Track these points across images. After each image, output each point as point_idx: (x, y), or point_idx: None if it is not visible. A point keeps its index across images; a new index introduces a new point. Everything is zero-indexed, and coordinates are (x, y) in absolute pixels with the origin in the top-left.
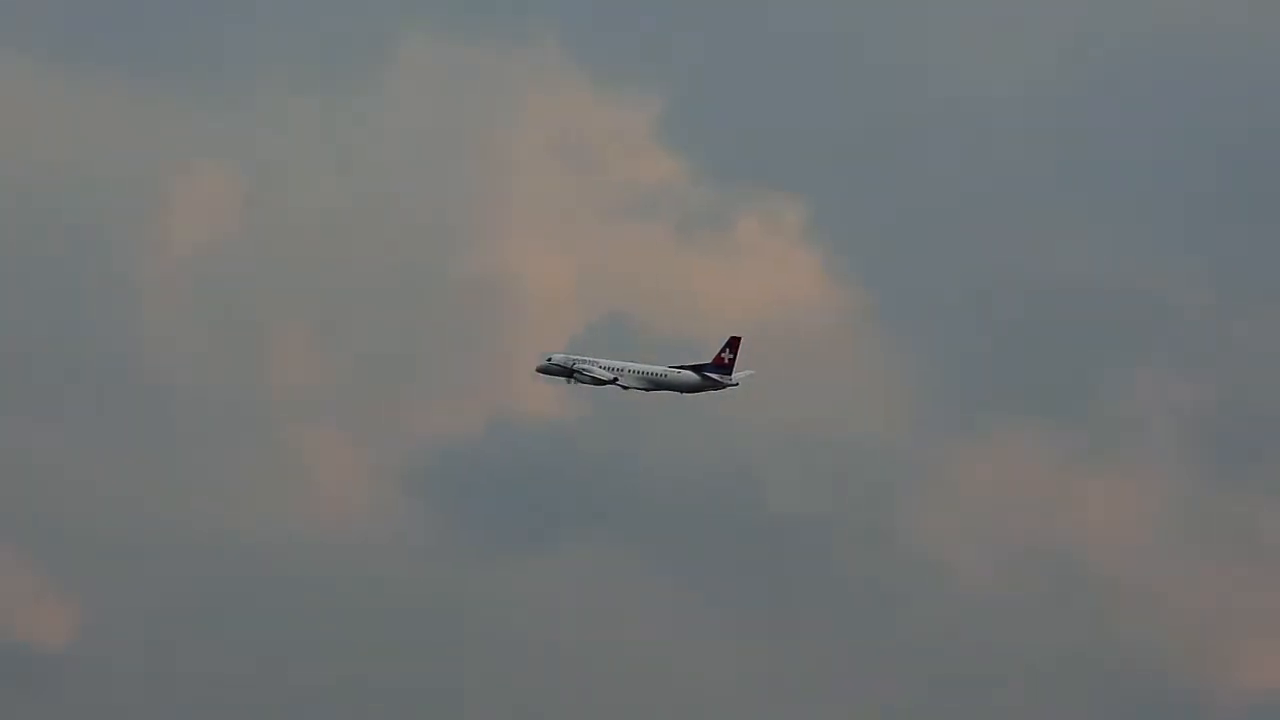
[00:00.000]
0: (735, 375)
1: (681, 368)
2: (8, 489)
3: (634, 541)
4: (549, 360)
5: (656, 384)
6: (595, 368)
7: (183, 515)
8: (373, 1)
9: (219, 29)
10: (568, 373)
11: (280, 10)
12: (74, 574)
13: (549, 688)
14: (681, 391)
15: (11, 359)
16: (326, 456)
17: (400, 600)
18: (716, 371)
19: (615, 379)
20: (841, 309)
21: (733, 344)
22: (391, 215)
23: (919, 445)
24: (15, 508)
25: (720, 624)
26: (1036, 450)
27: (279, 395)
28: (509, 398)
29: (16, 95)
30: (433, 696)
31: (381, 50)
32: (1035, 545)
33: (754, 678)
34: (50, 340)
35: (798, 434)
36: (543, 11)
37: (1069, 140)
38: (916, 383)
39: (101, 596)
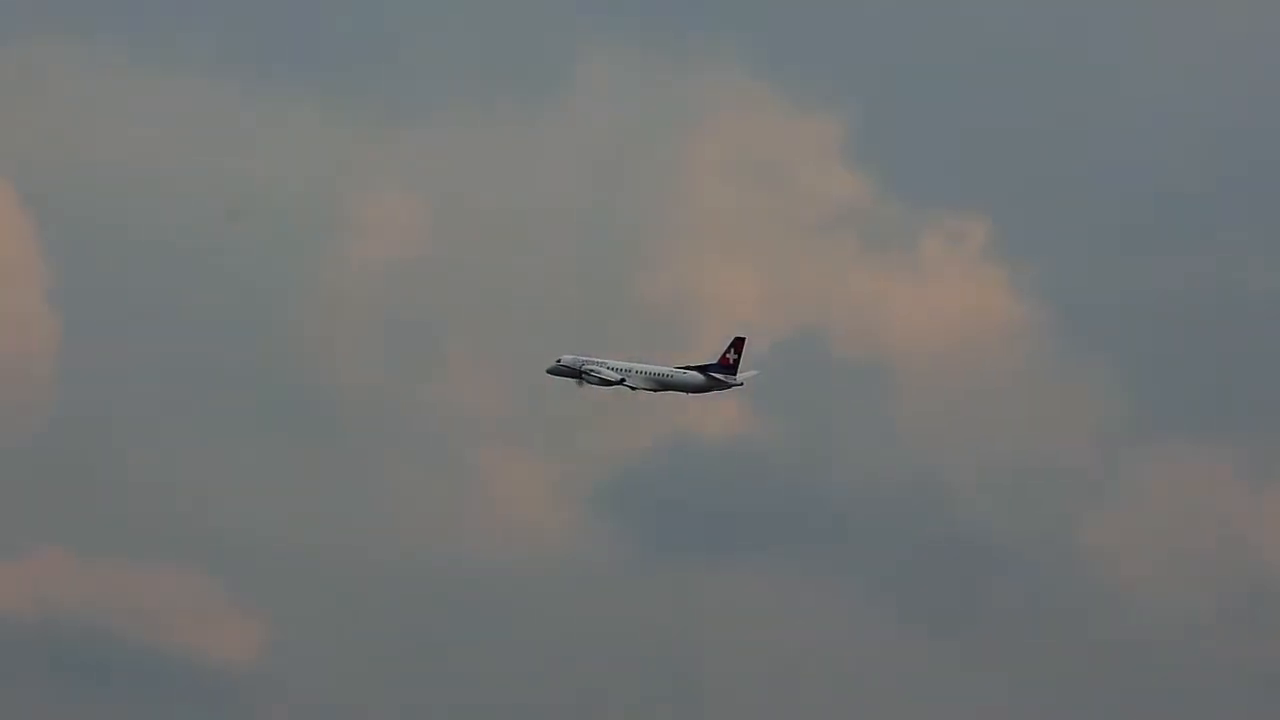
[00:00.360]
0: (740, 375)
1: (687, 368)
2: (196, 508)
3: (818, 557)
4: (559, 361)
5: (664, 384)
6: (604, 368)
7: (367, 535)
8: (555, 20)
9: (402, 51)
10: (577, 373)
11: (462, 31)
12: (260, 594)
13: (738, 703)
14: (688, 391)
15: (201, 379)
16: (511, 476)
17: (585, 619)
18: (721, 372)
19: (623, 379)
20: (1026, 324)
21: (737, 345)
22: (576, 234)
23: (1105, 459)
24: (206, 527)
25: (905, 641)
26: (1225, 464)
27: (463, 415)
28: (694, 415)
29: (209, 119)
30: (621, 714)
31: (563, 68)
32: (1224, 560)
33: (940, 692)
34: (238, 361)
35: (982, 448)
36: (728, 28)
37: (1259, 148)
38: (1103, 396)
39: (288, 617)
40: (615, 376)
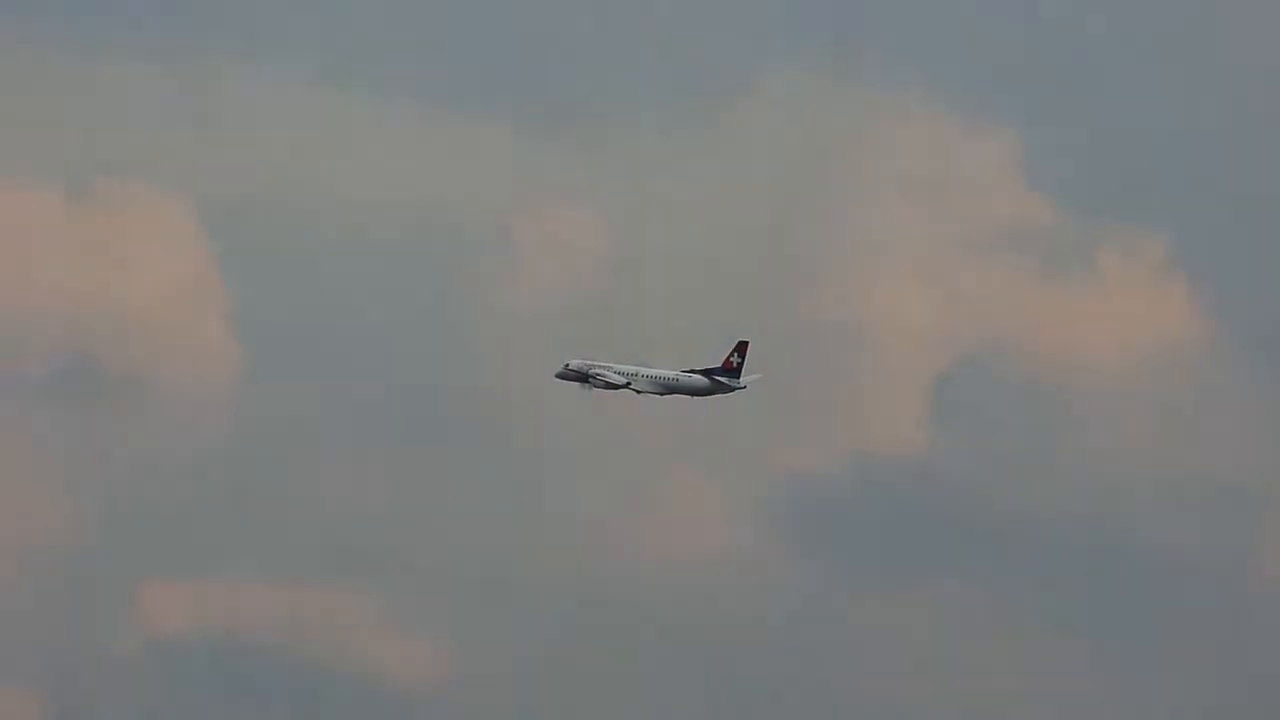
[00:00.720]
0: (743, 379)
1: (692, 372)
2: (375, 527)
3: (999, 576)
4: (566, 366)
5: (669, 388)
6: (609, 373)
7: (546, 555)
8: (730, 36)
9: (585, 68)
10: (584, 378)
11: (637, 47)
12: (439, 614)
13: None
14: (692, 395)
15: (380, 399)
16: (691, 495)
17: (768, 638)
18: (725, 375)
19: (629, 383)
20: (1206, 339)
21: (740, 348)
22: (751, 253)
23: None
24: (385, 546)
25: (1091, 661)
26: None
27: (643, 433)
28: (873, 435)
29: (396, 138)
30: None
31: (740, 86)
32: None
33: (1123, 713)
34: (411, 379)
35: (1162, 466)
36: (907, 45)
37: None
38: None
39: (468, 636)
40: (621, 381)
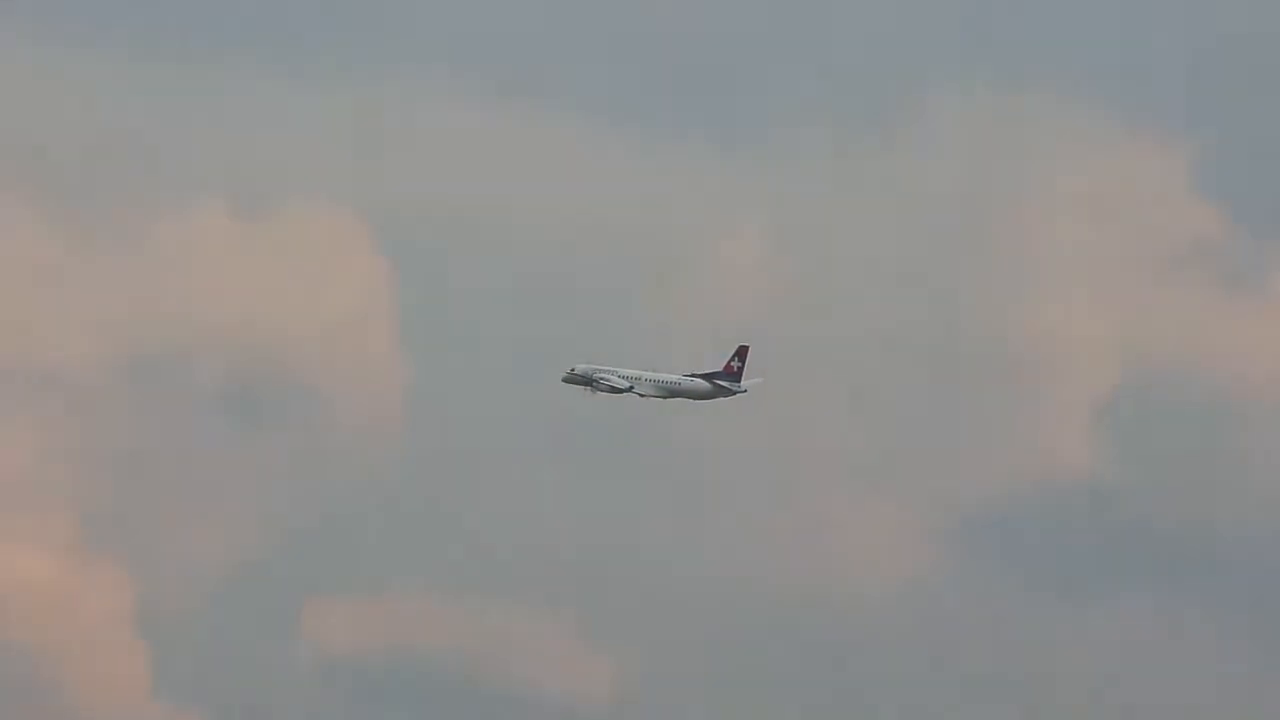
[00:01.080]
0: (744, 383)
1: (694, 376)
2: (549, 544)
3: (1176, 595)
4: (572, 370)
5: (672, 392)
6: (614, 377)
7: (723, 573)
8: (902, 54)
9: (758, 90)
10: (588, 382)
11: (810, 66)
12: (616, 632)
13: None
14: (695, 399)
15: (546, 410)
16: (867, 517)
17: (946, 657)
18: (727, 379)
19: (631, 387)
20: None
21: (741, 353)
22: (922, 271)
23: None
24: (560, 563)
25: (1268, 678)
26: None
27: (820, 453)
28: (1051, 454)
29: (573, 157)
30: None
31: (912, 103)
32: None
33: None
34: (567, 406)
35: None
36: (1074, 60)
37: None
38: None
39: (643, 655)
40: (624, 385)
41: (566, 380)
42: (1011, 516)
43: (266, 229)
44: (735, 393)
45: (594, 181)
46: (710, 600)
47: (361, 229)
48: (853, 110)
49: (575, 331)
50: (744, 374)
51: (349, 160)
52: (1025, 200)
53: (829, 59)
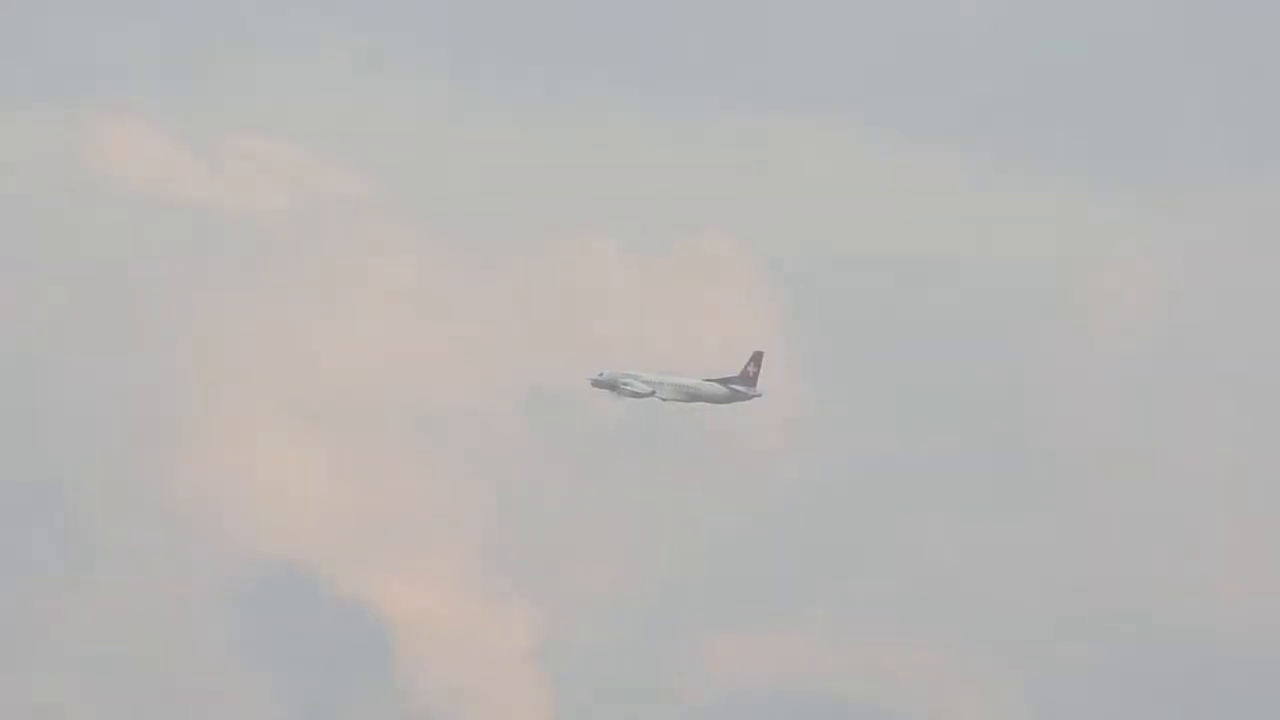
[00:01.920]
0: (759, 388)
1: (712, 381)
2: (947, 575)
3: None
4: (600, 375)
5: (692, 396)
6: (637, 382)
7: (1121, 604)
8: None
9: (1170, 130)
10: (613, 386)
11: (1229, 111)
12: (1013, 663)
13: None
14: (713, 403)
15: (947, 445)
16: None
17: None
18: (743, 384)
19: (654, 391)
20: None
21: (756, 359)
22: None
23: None
24: (966, 594)
25: None
26: None
27: (1215, 479)
28: None
29: (953, 194)
30: None
31: None
32: None
33: None
34: (989, 429)
35: None
36: None
37: None
38: None
39: (1042, 688)
40: (647, 389)
41: (594, 384)
42: None
43: (660, 263)
44: (750, 397)
45: (976, 220)
46: (1109, 634)
47: (753, 262)
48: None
49: (973, 367)
50: (758, 379)
51: (741, 195)
52: None
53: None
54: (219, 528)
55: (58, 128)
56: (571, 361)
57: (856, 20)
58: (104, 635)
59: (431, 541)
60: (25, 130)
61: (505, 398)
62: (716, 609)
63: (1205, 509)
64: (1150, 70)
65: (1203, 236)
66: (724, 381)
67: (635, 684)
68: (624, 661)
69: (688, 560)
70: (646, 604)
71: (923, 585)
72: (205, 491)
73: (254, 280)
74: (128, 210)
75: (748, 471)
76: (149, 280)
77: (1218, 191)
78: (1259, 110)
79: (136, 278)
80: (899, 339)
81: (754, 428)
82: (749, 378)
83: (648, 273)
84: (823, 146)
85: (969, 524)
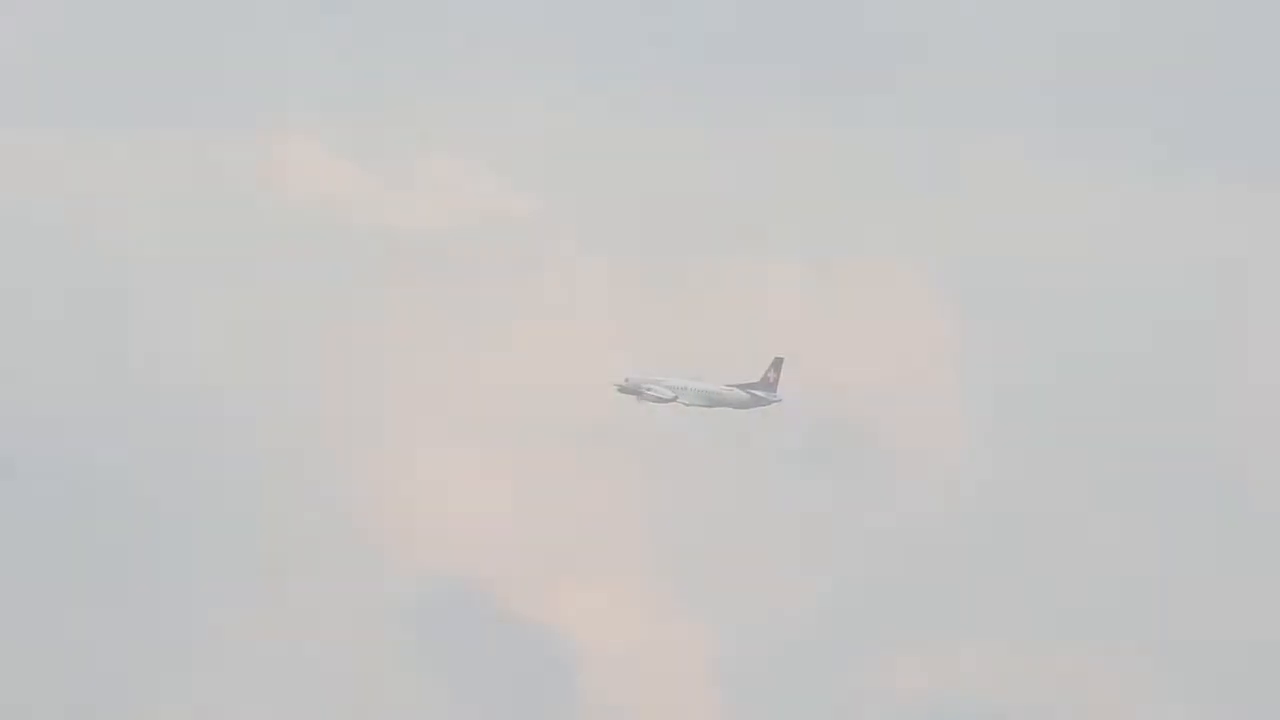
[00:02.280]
0: (779, 393)
1: (734, 386)
2: (1113, 593)
3: None
4: (626, 380)
5: (714, 401)
6: (659, 387)
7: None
8: None
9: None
10: (638, 391)
11: None
12: (1175, 683)
13: None
14: (735, 408)
15: (1106, 459)
16: None
17: None
18: (764, 389)
19: (676, 397)
20: None
21: (777, 364)
22: None
23: None
24: (1119, 612)
25: None
26: None
27: None
28: None
29: (1099, 205)
30: None
31: None
32: None
33: None
34: (1155, 441)
35: None
36: None
37: None
38: None
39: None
40: (670, 395)
41: (620, 390)
42: None
43: (842, 281)
44: (771, 403)
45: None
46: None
47: (925, 281)
48: None
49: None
50: (778, 385)
51: (919, 211)
52: None
53: None
54: (403, 546)
55: (237, 150)
56: (748, 375)
57: (1023, 32)
58: (290, 654)
59: (609, 558)
60: (207, 152)
61: (681, 414)
62: (897, 623)
63: None
64: None
65: None
66: (745, 387)
67: (815, 701)
68: (804, 678)
69: (866, 572)
70: (825, 618)
71: (1111, 598)
72: (388, 511)
73: (435, 299)
74: (308, 231)
75: (918, 482)
76: (332, 299)
77: None
78: None
79: (320, 298)
80: (1077, 342)
81: (923, 454)
82: (771, 384)
83: (823, 289)
84: (998, 162)
85: (1154, 533)
